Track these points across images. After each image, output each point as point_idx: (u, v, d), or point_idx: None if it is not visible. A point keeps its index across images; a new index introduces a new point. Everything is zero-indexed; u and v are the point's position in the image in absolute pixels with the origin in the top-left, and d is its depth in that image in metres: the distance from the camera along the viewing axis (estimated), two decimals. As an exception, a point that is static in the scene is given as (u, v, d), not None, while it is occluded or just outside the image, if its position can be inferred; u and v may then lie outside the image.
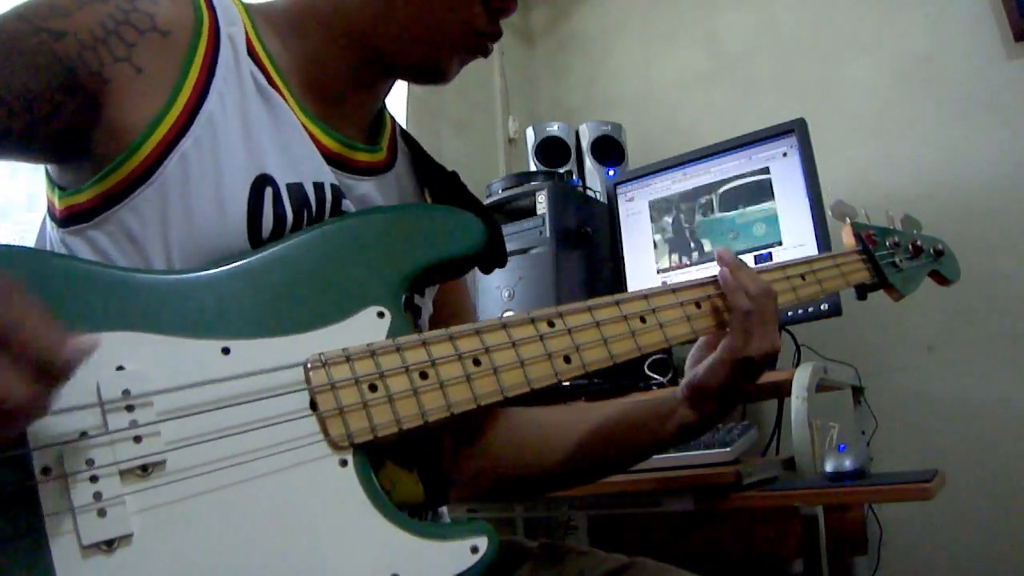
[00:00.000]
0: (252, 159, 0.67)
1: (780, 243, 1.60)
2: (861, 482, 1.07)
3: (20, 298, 0.43)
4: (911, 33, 1.89)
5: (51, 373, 0.43)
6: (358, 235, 0.68)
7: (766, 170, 1.65)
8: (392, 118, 0.87)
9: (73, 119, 0.63)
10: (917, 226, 1.09)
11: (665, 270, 1.76)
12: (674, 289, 0.78)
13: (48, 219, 0.69)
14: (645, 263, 1.78)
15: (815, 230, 1.55)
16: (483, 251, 0.71)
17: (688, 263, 1.72)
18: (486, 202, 1.90)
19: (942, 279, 1.08)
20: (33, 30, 0.61)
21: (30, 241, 0.72)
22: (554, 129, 2.13)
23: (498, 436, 0.87)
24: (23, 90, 0.59)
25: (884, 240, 1.01)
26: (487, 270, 0.75)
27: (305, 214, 0.70)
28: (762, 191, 1.65)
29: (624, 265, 1.81)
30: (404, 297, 0.68)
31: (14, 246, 0.61)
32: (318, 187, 0.71)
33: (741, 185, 1.69)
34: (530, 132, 2.16)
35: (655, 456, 1.24)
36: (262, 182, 0.67)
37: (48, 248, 0.68)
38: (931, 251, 1.06)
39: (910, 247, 1.03)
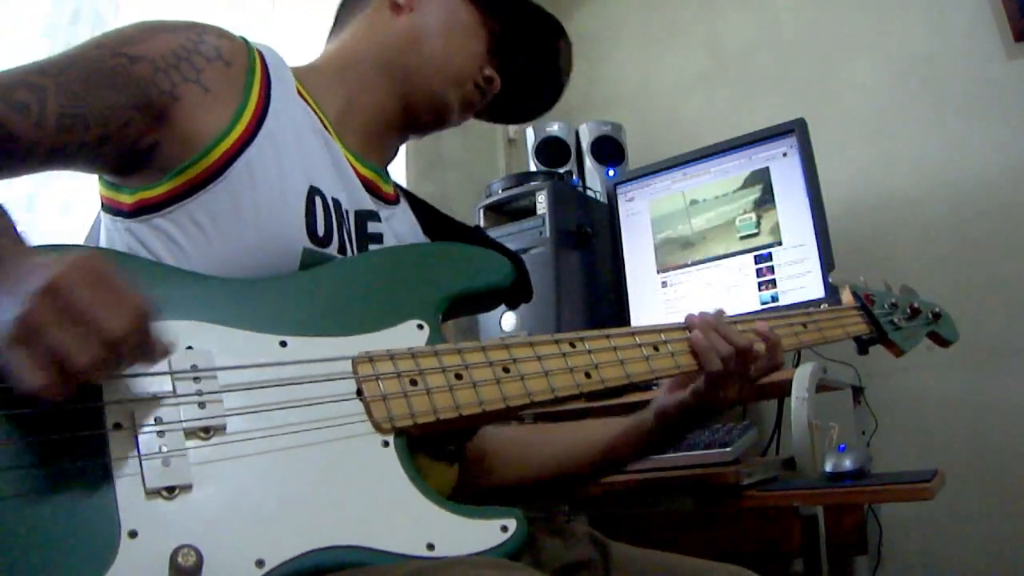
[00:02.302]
0: (305, 172, 0.78)
1: (780, 243, 1.60)
2: (861, 482, 1.07)
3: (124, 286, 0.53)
4: (911, 33, 1.89)
5: (136, 349, 0.53)
6: (405, 259, 0.80)
7: (766, 170, 1.65)
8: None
9: (140, 132, 0.72)
10: (914, 295, 1.15)
11: (666, 270, 1.76)
12: (686, 327, 0.88)
13: (106, 214, 0.77)
14: (645, 263, 1.78)
15: (815, 230, 1.55)
16: (510, 287, 0.81)
17: (688, 263, 1.72)
18: (486, 202, 1.90)
19: (941, 340, 1.16)
20: (111, 54, 0.71)
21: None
22: (554, 129, 2.13)
23: (489, 452, 0.95)
24: (100, 106, 0.69)
25: (882, 301, 1.09)
26: (513, 305, 0.86)
27: (345, 231, 0.80)
28: (762, 191, 1.65)
29: (624, 265, 1.80)
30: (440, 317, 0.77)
31: (104, 249, 0.74)
32: (346, 212, 0.82)
33: (741, 185, 1.68)
34: (530, 132, 2.16)
35: (655, 456, 1.25)
36: (313, 192, 0.78)
37: (106, 239, 0.77)
38: (929, 314, 1.13)
39: (908, 309, 1.10)
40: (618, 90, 2.42)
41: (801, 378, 1.31)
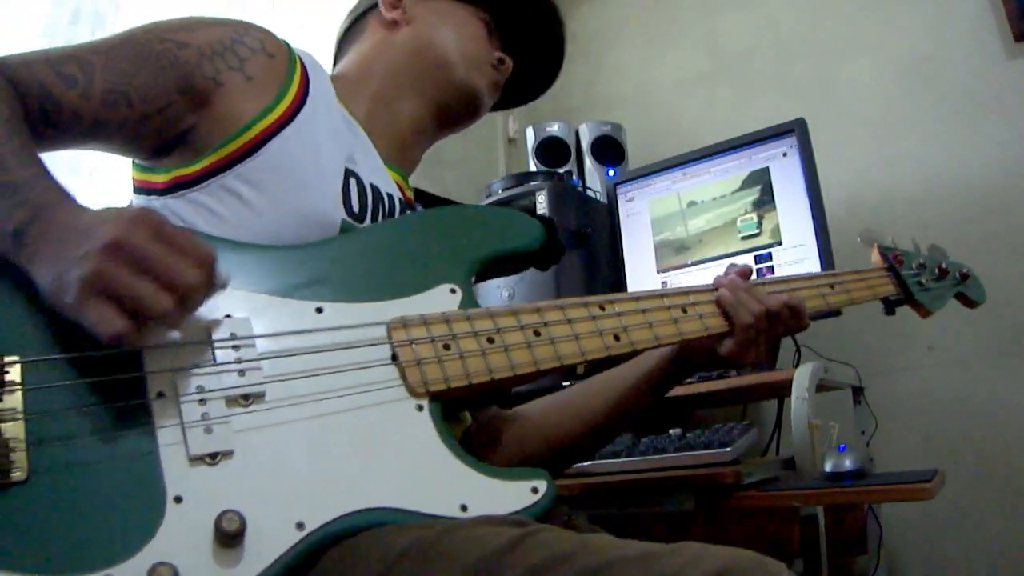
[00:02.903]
0: (341, 155, 0.82)
1: (780, 243, 1.60)
2: (861, 482, 1.06)
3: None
4: (911, 33, 1.89)
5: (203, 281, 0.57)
6: (437, 223, 0.80)
7: (766, 170, 1.65)
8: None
9: (180, 115, 0.75)
10: (943, 254, 1.14)
11: (665, 270, 1.75)
12: (714, 289, 0.88)
13: (138, 196, 0.79)
14: (645, 263, 1.78)
15: (815, 230, 1.55)
16: (540, 249, 0.82)
17: (688, 263, 1.72)
18: (486, 202, 1.90)
19: (968, 301, 1.14)
20: (159, 39, 0.75)
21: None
22: (554, 129, 2.13)
23: (515, 426, 0.94)
24: (145, 86, 0.72)
25: (910, 262, 1.07)
26: (544, 267, 0.86)
27: (380, 209, 0.83)
28: (761, 191, 1.65)
29: (624, 265, 1.80)
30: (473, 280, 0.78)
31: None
32: (389, 196, 0.86)
33: (740, 185, 1.68)
34: (530, 132, 2.16)
35: (655, 456, 1.25)
36: (348, 174, 0.81)
37: None
38: (957, 275, 1.11)
39: (936, 270, 1.09)
40: (618, 90, 2.42)
41: (801, 378, 1.31)
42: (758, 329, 0.85)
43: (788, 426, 1.33)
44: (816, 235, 1.55)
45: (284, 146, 0.77)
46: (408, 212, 0.88)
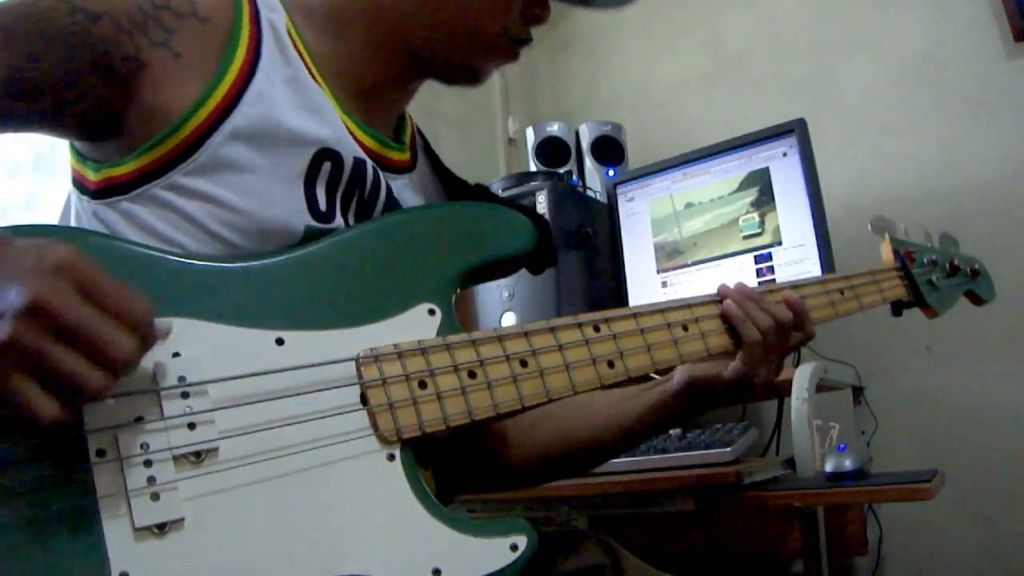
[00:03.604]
0: (314, 130, 0.68)
1: (780, 243, 1.60)
2: (861, 482, 1.07)
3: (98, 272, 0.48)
4: (911, 33, 1.89)
5: (139, 337, 0.48)
6: (412, 231, 0.70)
7: (766, 170, 1.65)
8: (411, 118, 0.87)
9: (102, 101, 0.62)
10: (954, 244, 1.09)
11: (666, 270, 1.76)
12: (718, 300, 0.80)
13: (76, 192, 0.68)
14: (645, 263, 1.78)
15: (815, 230, 1.55)
16: (533, 251, 0.73)
17: (688, 263, 1.73)
18: (486, 202, 1.90)
19: (977, 298, 1.10)
20: (68, 9, 0.60)
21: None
22: (554, 129, 2.13)
23: (507, 429, 0.88)
24: (53, 71, 0.59)
25: (922, 258, 1.02)
26: (537, 271, 0.77)
27: (356, 193, 0.71)
28: (760, 191, 1.65)
29: (624, 265, 1.80)
30: (454, 296, 0.70)
31: (76, 228, 0.65)
32: (374, 169, 0.73)
33: (739, 186, 1.68)
34: (530, 132, 2.16)
35: (655, 456, 1.25)
36: (322, 156, 0.68)
37: (74, 219, 0.68)
38: (968, 270, 1.07)
39: (947, 266, 1.04)
40: (618, 90, 2.42)
41: (801, 378, 1.31)
42: (767, 345, 0.77)
43: (788, 426, 1.33)
44: (816, 235, 1.55)
45: (225, 144, 0.64)
46: (387, 184, 0.76)
